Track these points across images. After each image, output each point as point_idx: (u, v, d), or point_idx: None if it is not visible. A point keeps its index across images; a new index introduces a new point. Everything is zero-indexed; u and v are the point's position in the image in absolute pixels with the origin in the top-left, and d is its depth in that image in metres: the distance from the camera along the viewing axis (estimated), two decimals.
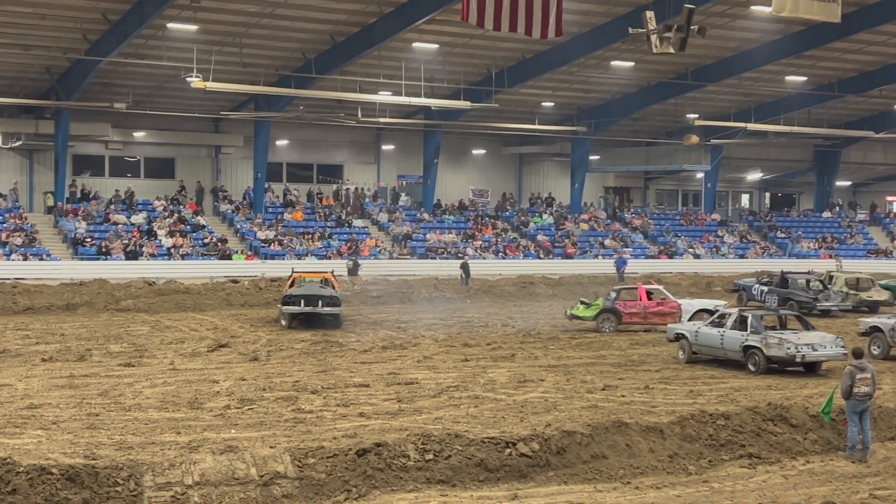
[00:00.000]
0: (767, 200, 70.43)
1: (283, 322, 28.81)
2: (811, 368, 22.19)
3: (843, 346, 22.04)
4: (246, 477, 13.03)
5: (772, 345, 21.89)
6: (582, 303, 30.41)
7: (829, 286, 35.24)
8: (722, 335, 22.98)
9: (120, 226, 47.26)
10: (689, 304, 30.10)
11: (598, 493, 13.49)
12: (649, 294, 29.94)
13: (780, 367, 22.11)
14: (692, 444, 15.33)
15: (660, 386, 20.41)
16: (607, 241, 55.35)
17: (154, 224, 47.91)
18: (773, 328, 23.46)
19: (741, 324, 22.80)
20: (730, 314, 23.57)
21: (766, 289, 35.88)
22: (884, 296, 35.67)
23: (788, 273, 36.56)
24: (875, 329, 25.06)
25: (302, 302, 28.56)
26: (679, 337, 24.13)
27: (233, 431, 15.77)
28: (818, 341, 22.08)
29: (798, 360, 21.76)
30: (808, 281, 35.72)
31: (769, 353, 21.92)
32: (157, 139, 51.70)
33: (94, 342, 25.80)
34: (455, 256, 49.47)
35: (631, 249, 55.34)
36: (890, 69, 49.80)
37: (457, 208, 57.12)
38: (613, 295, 29.95)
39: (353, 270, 43.40)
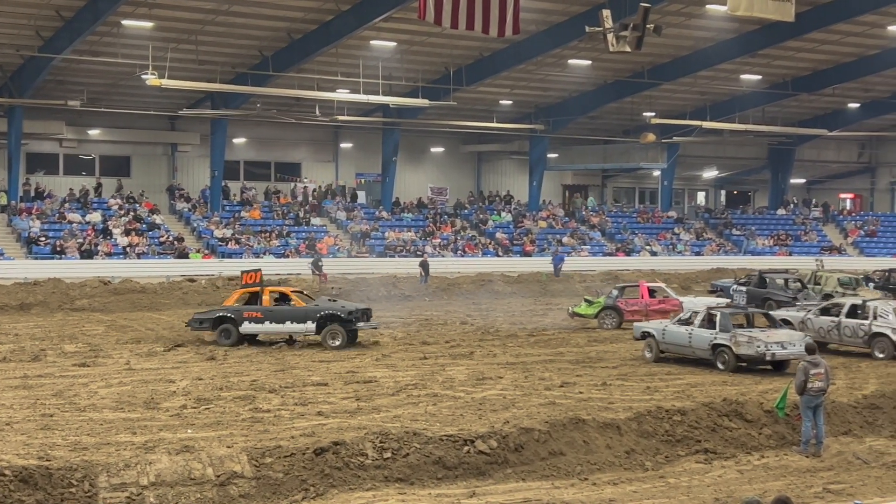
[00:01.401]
0: (723, 198, 71.09)
1: (338, 342, 24.73)
2: (779, 367, 21.94)
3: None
4: (202, 477, 12.95)
5: (741, 343, 21.62)
6: (586, 300, 30.29)
7: (808, 286, 34.80)
8: (690, 333, 22.66)
9: (75, 224, 46.75)
10: (691, 303, 29.50)
11: (556, 489, 13.55)
12: (651, 292, 29.92)
13: (749, 365, 21.96)
14: (649, 439, 15.44)
15: (617, 382, 20.51)
16: (565, 239, 55.57)
17: (109, 223, 47.44)
18: (741, 326, 23.10)
19: (709, 322, 22.58)
20: (698, 312, 23.23)
21: (744, 289, 35.23)
22: (876, 295, 35.29)
23: (766, 273, 36.36)
24: (785, 322, 24.98)
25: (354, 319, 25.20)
26: (646, 335, 23.67)
27: (189, 431, 15.66)
28: (787, 339, 21.80)
29: (768, 358, 21.53)
30: (786, 280, 35.33)
31: (739, 351, 21.66)
32: (112, 137, 51.25)
33: (49, 342, 25.51)
34: (414, 254, 49.44)
35: (589, 247, 55.66)
36: (843, 68, 50.43)
37: (416, 206, 57.09)
38: (615, 293, 29.93)
39: (316, 267, 43.17)
